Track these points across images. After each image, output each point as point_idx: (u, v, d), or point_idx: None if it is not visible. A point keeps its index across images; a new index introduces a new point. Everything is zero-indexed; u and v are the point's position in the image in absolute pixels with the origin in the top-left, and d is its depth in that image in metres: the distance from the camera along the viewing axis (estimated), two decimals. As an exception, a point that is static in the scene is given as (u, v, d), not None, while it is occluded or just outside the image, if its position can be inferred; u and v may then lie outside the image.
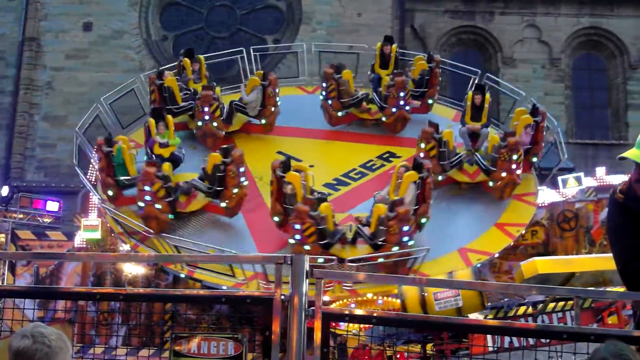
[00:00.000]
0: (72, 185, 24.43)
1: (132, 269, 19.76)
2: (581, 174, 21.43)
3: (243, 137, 20.79)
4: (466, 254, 17.15)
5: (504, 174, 18.22)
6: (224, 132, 20.33)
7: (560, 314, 16.18)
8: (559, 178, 20.18)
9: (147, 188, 16.79)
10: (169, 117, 19.35)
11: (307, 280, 4.73)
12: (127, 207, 18.04)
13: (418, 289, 14.76)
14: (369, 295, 16.77)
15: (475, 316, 16.03)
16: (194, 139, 20.55)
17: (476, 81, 22.14)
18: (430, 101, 21.27)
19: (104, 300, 13.46)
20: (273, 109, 20.71)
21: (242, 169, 17.59)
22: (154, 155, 18.39)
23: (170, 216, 17.37)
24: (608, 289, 14.34)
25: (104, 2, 31.15)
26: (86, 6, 31.21)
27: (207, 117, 19.95)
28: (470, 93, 20.12)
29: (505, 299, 16.73)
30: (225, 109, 20.59)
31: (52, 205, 23.31)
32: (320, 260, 15.30)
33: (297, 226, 15.82)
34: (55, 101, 30.39)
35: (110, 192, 18.03)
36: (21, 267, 20.89)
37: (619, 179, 16.59)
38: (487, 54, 33.83)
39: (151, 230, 16.94)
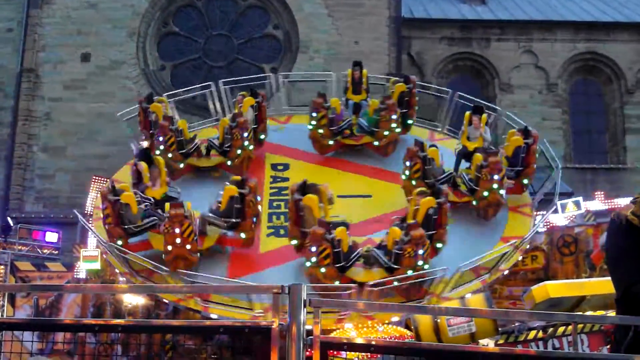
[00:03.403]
0: (71, 215, 24.34)
1: (132, 300, 19.71)
2: (580, 199, 21.49)
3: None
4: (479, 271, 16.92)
5: (485, 193, 18.10)
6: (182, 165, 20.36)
7: (570, 338, 16.02)
8: (558, 203, 20.09)
9: (177, 230, 16.13)
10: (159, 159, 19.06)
11: (305, 309, 4.72)
12: (136, 254, 17.14)
13: (431, 316, 14.70)
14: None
15: (486, 342, 15.97)
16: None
17: (495, 119, 22.15)
18: (525, 181, 19.42)
19: (103, 332, 13.26)
20: (268, 121, 21.71)
21: (258, 198, 17.47)
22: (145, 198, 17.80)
23: (198, 255, 16.84)
24: (609, 314, 14.30)
25: (102, 33, 31.28)
26: (84, 37, 31.32)
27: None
28: (468, 114, 20.02)
29: (516, 324, 16.65)
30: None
31: (52, 236, 23.26)
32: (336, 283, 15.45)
33: (313, 248, 15.73)
34: (54, 132, 30.40)
35: (119, 242, 16.98)
36: (21, 299, 20.84)
37: (623, 202, 16.56)
38: (484, 80, 33.92)
39: (166, 269, 16.30)
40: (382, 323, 16.08)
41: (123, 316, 19.63)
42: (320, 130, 20.53)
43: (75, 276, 20.98)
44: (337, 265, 15.90)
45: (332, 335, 15.13)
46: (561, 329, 16.14)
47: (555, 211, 19.89)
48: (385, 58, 30.96)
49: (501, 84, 33.43)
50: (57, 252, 23.54)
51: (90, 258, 20.14)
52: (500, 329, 16.24)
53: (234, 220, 17.06)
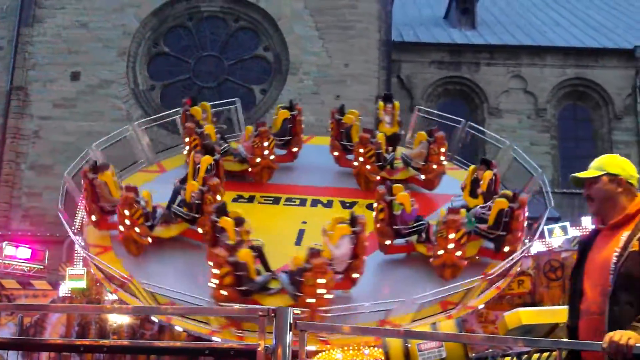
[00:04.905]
0: (57, 234, 24.29)
1: (117, 319, 19.62)
2: (567, 224, 21.51)
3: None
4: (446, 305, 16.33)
5: (440, 252, 16.41)
6: (377, 177, 19.91)
7: (544, 365, 15.94)
8: (545, 228, 20.09)
9: (126, 212, 17.14)
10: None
11: (291, 332, 4.71)
12: (107, 232, 18.53)
13: (402, 340, 14.61)
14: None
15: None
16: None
17: (462, 131, 22.17)
18: (506, 249, 17.18)
19: (87, 352, 13.10)
20: (435, 166, 19.90)
21: (218, 197, 17.90)
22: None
23: (149, 239, 17.62)
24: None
25: (92, 52, 31.26)
26: (74, 56, 31.31)
27: (361, 159, 20.01)
28: (472, 167, 19.08)
29: (489, 350, 16.57)
30: (389, 157, 20.59)
31: (38, 255, 23.19)
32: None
33: (216, 270, 15.47)
34: (42, 150, 30.33)
35: (93, 217, 18.43)
36: (6, 317, 20.74)
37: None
38: (473, 104, 34.02)
39: (127, 276, 16.36)
40: (368, 346, 16.05)
41: (108, 335, 19.56)
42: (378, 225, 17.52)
43: (60, 295, 20.89)
44: (239, 288, 15.68)
45: (317, 357, 15.12)
46: (535, 357, 16.03)
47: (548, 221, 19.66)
48: (374, 81, 31.01)
49: (490, 108, 33.51)
50: (43, 270, 23.46)
51: (76, 277, 20.09)
52: (474, 354, 16.18)
53: (194, 214, 17.81)
